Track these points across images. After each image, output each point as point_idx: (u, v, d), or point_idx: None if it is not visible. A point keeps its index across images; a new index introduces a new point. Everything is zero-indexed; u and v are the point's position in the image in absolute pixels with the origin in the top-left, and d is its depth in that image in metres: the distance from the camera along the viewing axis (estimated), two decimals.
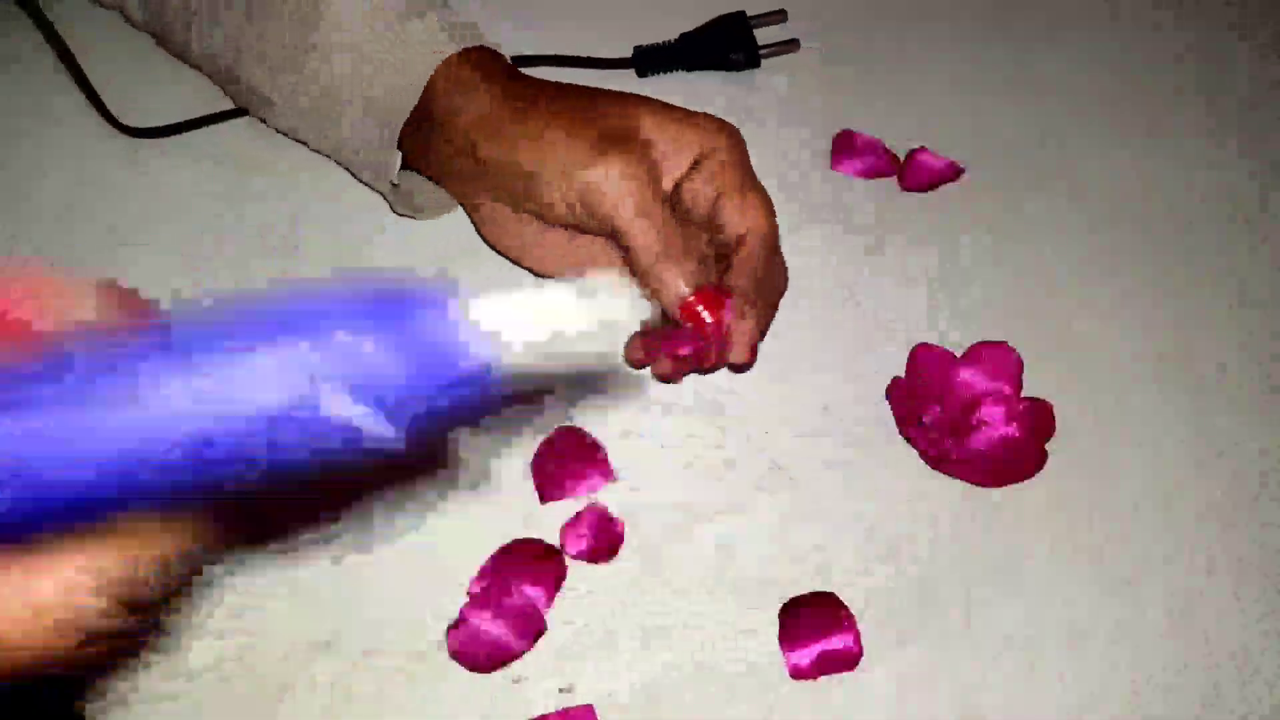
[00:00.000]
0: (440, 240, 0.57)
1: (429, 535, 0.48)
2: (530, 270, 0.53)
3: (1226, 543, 0.49)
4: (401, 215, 0.57)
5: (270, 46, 0.54)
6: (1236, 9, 0.68)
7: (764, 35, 0.63)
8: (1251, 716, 0.44)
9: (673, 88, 0.62)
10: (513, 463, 0.50)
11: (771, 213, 0.49)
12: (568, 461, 0.49)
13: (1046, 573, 0.48)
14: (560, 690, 0.44)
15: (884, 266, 0.57)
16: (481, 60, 0.51)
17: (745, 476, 0.50)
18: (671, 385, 0.52)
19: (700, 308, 0.47)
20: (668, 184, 0.49)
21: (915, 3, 0.67)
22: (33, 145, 0.59)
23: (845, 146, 0.60)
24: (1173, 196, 0.60)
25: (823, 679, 0.45)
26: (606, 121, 0.48)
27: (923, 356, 0.52)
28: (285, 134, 0.57)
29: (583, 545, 0.47)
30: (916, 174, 0.59)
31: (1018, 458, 0.50)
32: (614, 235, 0.47)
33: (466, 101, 0.50)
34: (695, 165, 0.49)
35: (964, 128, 0.62)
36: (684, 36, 0.63)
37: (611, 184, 0.46)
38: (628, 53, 0.63)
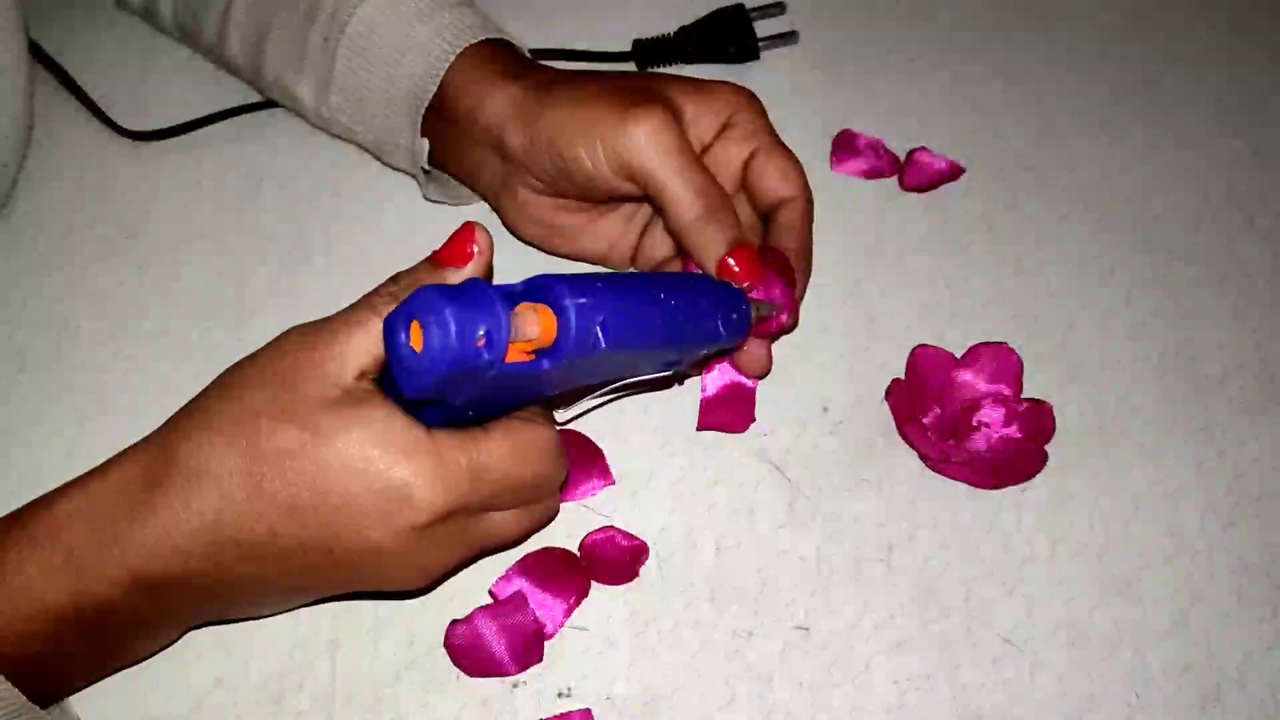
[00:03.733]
0: (446, 236, 0.57)
1: None
2: (560, 255, 0.54)
3: (1227, 543, 0.48)
4: (436, 202, 0.57)
5: (299, 43, 0.55)
6: (1237, 8, 0.68)
7: (763, 28, 0.64)
8: (1252, 717, 0.44)
9: None
10: None
11: (806, 181, 0.50)
12: (566, 475, 0.49)
13: (1046, 573, 0.48)
14: (559, 694, 0.44)
15: (884, 266, 0.57)
16: (496, 54, 0.52)
17: (745, 478, 0.50)
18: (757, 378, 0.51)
19: (738, 268, 0.46)
20: (697, 146, 0.49)
21: (915, 0, 0.67)
22: (35, 156, 0.59)
23: (845, 146, 0.60)
24: (1173, 196, 0.60)
25: (820, 681, 0.45)
26: (632, 88, 0.49)
27: (922, 357, 0.52)
28: (318, 126, 0.58)
29: (609, 575, 0.47)
30: (916, 174, 0.59)
31: (1018, 458, 0.50)
32: (653, 195, 0.48)
33: (486, 96, 0.51)
34: (723, 130, 0.50)
35: (964, 128, 0.61)
36: (683, 29, 0.63)
37: (648, 141, 0.47)
38: (627, 46, 0.63)
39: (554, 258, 0.55)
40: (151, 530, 0.38)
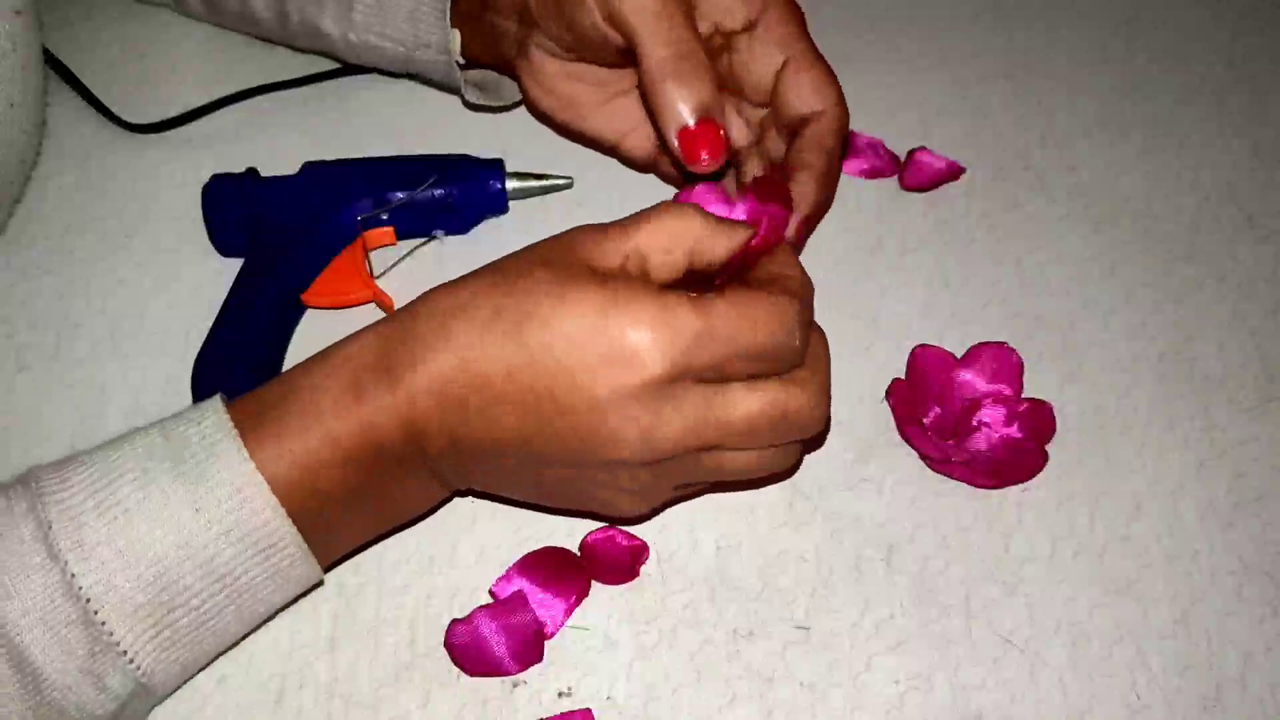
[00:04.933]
0: None
1: (427, 537, 0.48)
2: (572, 134, 0.55)
3: (1227, 543, 0.48)
4: (475, 108, 0.59)
5: None
6: (1237, 8, 0.68)
7: None
8: (1252, 717, 0.44)
9: None
10: None
11: (842, 95, 0.48)
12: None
13: (1046, 573, 0.48)
14: (559, 694, 0.44)
15: (884, 266, 0.57)
16: None
17: None
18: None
19: (699, 143, 0.44)
20: (704, 27, 0.47)
21: (915, 1, 0.67)
22: (38, 152, 0.59)
23: (846, 146, 0.60)
24: (1173, 196, 0.60)
25: (819, 681, 0.45)
26: None
27: (923, 357, 0.52)
28: (350, 61, 0.60)
29: (609, 574, 0.47)
30: (916, 174, 0.59)
31: (1018, 458, 0.50)
32: (630, 48, 0.46)
33: None
34: (750, 26, 0.48)
35: (964, 128, 0.61)
36: None
37: None
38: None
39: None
40: (419, 382, 0.39)
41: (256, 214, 0.54)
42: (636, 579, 0.47)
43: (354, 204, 0.54)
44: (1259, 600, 0.47)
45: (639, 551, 0.47)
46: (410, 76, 0.60)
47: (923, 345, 0.52)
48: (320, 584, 0.44)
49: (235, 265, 0.55)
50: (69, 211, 0.57)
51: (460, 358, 0.39)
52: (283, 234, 0.54)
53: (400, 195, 0.54)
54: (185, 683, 0.42)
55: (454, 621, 0.45)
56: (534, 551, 0.47)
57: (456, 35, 0.54)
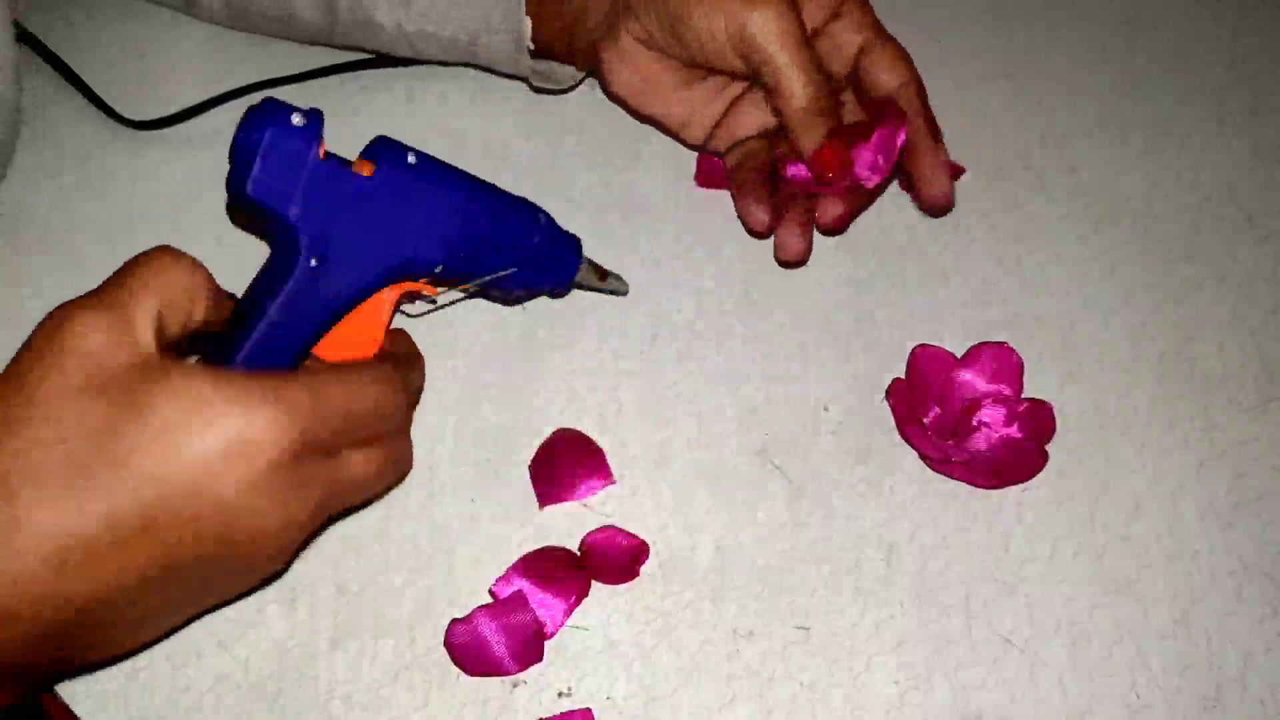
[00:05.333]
0: None
1: (427, 537, 0.48)
2: (643, 114, 0.56)
3: (1227, 543, 0.48)
4: (540, 90, 0.59)
5: None
6: (1237, 8, 0.68)
7: None
8: (1252, 717, 0.44)
9: None
10: (514, 466, 0.50)
11: (916, 71, 0.52)
12: (567, 465, 0.49)
13: (1046, 573, 0.48)
14: (559, 694, 0.44)
15: (884, 266, 0.57)
16: None
17: (745, 478, 0.50)
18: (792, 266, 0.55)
19: (829, 157, 0.49)
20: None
21: (916, 0, 0.67)
22: (37, 150, 0.59)
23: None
24: (1173, 196, 0.60)
25: (819, 681, 0.45)
26: None
27: (923, 357, 0.52)
28: (398, 54, 0.59)
29: (609, 574, 0.47)
30: None
31: (1018, 459, 0.50)
32: (764, 79, 0.49)
33: None
34: (832, 18, 0.51)
35: (964, 128, 0.61)
36: None
37: (770, 24, 0.48)
38: None
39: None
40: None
41: (306, 201, 0.42)
42: (636, 579, 0.47)
43: (430, 247, 0.45)
44: (1259, 600, 0.47)
45: (639, 551, 0.47)
46: (460, 64, 0.60)
47: (923, 345, 0.52)
48: None
49: (236, 265, 0.55)
50: (69, 211, 0.57)
51: (47, 529, 0.33)
52: (323, 244, 0.42)
53: (472, 284, 0.48)
54: None
55: (454, 621, 0.45)
56: (534, 551, 0.47)
57: (528, 24, 0.54)
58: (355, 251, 0.43)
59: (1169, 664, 0.45)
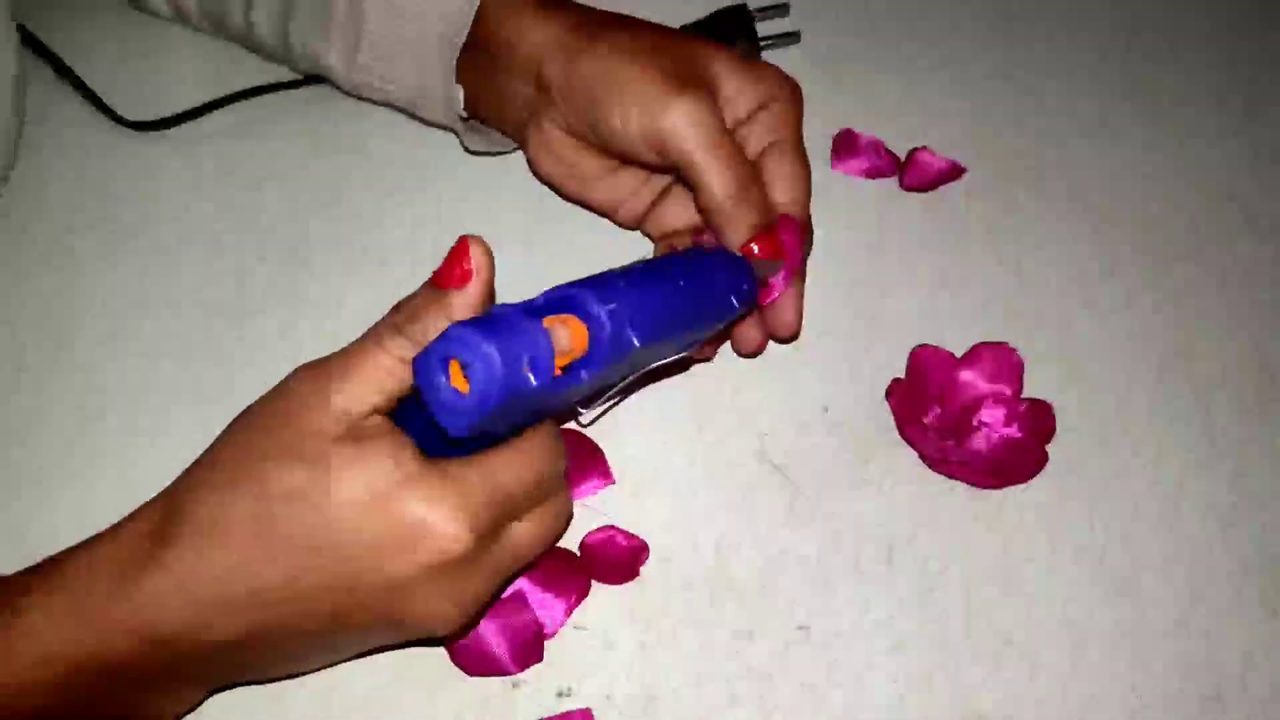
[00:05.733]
0: (448, 233, 0.57)
1: None
2: (572, 198, 0.55)
3: (1227, 543, 0.48)
4: (475, 153, 0.58)
5: (324, 8, 0.55)
6: (1237, 8, 0.68)
7: (765, 28, 0.64)
8: (1252, 717, 0.44)
9: None
10: None
11: (809, 191, 0.50)
12: (567, 465, 0.49)
13: (1046, 573, 0.48)
14: (559, 694, 0.44)
15: (884, 266, 0.57)
16: None
17: (745, 478, 0.50)
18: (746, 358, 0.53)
19: (759, 250, 0.48)
20: (729, 124, 0.49)
21: (916, 1, 0.67)
22: (35, 152, 0.59)
23: (846, 146, 0.60)
24: (1173, 196, 0.60)
25: (819, 681, 0.45)
26: (678, 56, 0.48)
27: (923, 357, 0.52)
28: (350, 93, 0.58)
29: (609, 574, 0.47)
30: (917, 174, 0.59)
31: (1018, 458, 0.50)
32: (684, 173, 0.48)
33: (527, 27, 0.50)
34: (754, 113, 0.50)
35: (964, 128, 0.62)
36: (685, 28, 0.63)
37: (685, 124, 0.46)
38: None
39: (541, 237, 0.55)
40: (163, 583, 0.37)
41: (530, 420, 0.40)
42: (636, 579, 0.47)
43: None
44: (1259, 600, 0.47)
45: (639, 551, 0.47)
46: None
47: (923, 345, 0.52)
48: None
49: (235, 265, 0.55)
50: (69, 211, 0.57)
51: (225, 571, 0.37)
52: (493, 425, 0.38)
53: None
54: None
55: None
56: None
57: (460, 91, 0.53)
58: None
59: (1169, 664, 0.45)
